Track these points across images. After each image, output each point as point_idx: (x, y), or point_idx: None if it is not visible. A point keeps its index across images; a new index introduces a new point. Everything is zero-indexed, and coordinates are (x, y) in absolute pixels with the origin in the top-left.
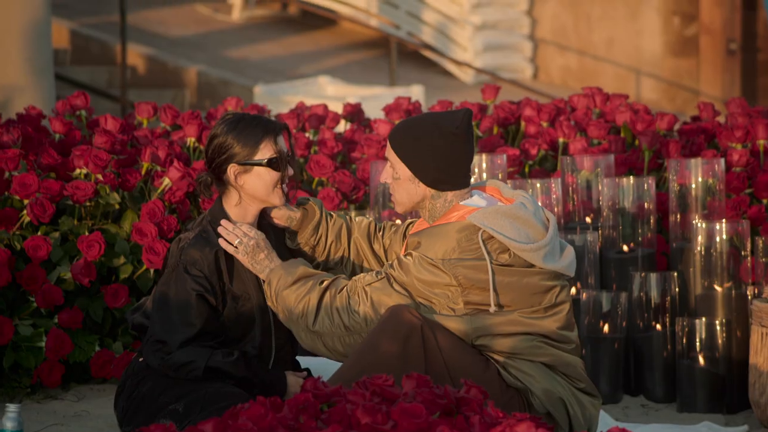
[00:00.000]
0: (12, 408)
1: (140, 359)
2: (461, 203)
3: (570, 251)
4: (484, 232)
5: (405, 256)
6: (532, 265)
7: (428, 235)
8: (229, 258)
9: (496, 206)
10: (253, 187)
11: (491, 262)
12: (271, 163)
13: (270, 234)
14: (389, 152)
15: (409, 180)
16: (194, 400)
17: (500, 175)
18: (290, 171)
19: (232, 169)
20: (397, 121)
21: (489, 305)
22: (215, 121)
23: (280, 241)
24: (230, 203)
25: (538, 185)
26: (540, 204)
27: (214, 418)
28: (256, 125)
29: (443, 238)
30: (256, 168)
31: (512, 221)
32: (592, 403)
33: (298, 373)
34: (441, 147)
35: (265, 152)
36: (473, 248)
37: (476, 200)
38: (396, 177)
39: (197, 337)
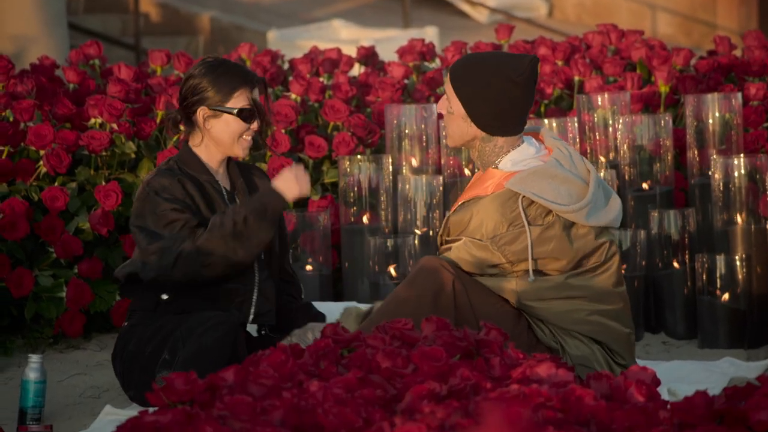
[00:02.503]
0: (34, 358)
1: (125, 323)
2: (509, 154)
3: (616, 202)
4: (524, 198)
5: (444, 251)
6: (576, 224)
7: (474, 211)
8: (199, 188)
9: (532, 168)
10: (219, 133)
11: (530, 230)
12: (241, 114)
13: (239, 179)
14: (447, 85)
15: (461, 118)
16: (176, 339)
17: None
18: (256, 125)
19: (201, 112)
20: (411, 64)
21: (541, 272)
22: None
23: (251, 185)
24: (195, 144)
25: (555, 124)
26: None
27: (234, 365)
28: (234, 73)
29: (488, 215)
30: (225, 115)
31: (551, 181)
32: None
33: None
34: (500, 92)
35: (237, 101)
36: (515, 216)
37: (524, 149)
38: (450, 111)
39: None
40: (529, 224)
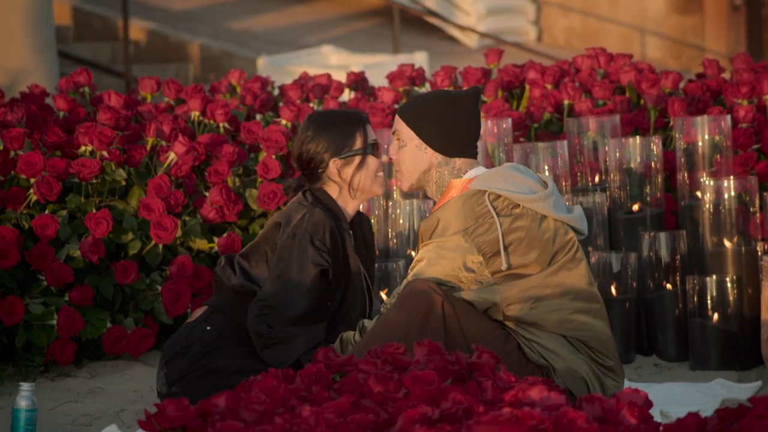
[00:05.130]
0: (26, 387)
1: (208, 327)
2: (466, 175)
3: (579, 208)
4: (490, 194)
5: (417, 256)
6: (545, 218)
7: (441, 214)
8: (345, 236)
9: (493, 169)
10: (360, 177)
11: (499, 218)
12: (373, 149)
13: (357, 230)
14: (396, 123)
15: (415, 147)
16: None
17: (506, 140)
18: (385, 157)
19: (334, 164)
20: (401, 89)
21: (512, 267)
22: (219, 95)
23: (366, 235)
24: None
25: (545, 148)
26: (547, 167)
27: (226, 391)
28: (346, 118)
29: (456, 213)
30: (357, 158)
31: (512, 180)
32: (615, 386)
33: None
34: (447, 113)
35: (360, 141)
36: (485, 212)
37: (480, 170)
38: (402, 145)
39: (307, 314)
40: (498, 215)
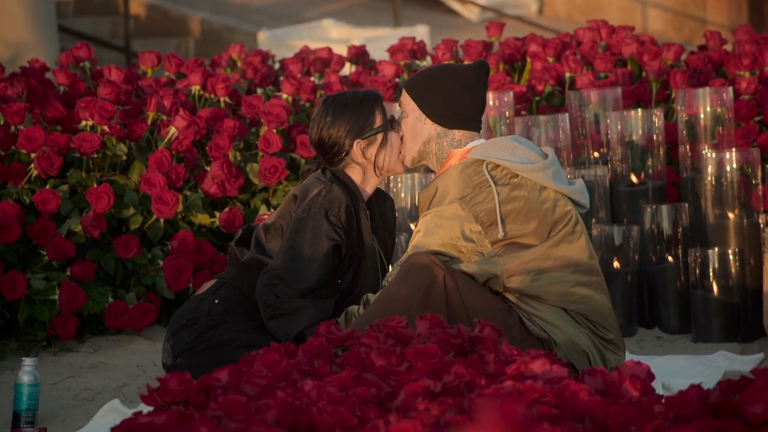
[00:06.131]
0: (28, 362)
1: (216, 301)
2: (467, 145)
3: (580, 181)
4: (489, 163)
5: (416, 228)
6: (544, 188)
7: (439, 183)
8: (360, 215)
9: (493, 140)
10: (384, 155)
11: (497, 187)
12: (392, 125)
13: (374, 205)
14: (401, 96)
15: (415, 118)
16: None
17: (507, 113)
18: (401, 132)
19: (358, 145)
20: (402, 62)
21: (509, 236)
22: (220, 69)
23: (386, 215)
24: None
25: (546, 121)
26: (548, 140)
27: (229, 366)
28: (362, 99)
29: (454, 181)
30: (379, 136)
31: (512, 150)
32: (616, 359)
33: None
34: (450, 85)
35: (380, 119)
36: (483, 181)
37: (481, 141)
38: (405, 116)
39: (316, 288)
40: (496, 184)
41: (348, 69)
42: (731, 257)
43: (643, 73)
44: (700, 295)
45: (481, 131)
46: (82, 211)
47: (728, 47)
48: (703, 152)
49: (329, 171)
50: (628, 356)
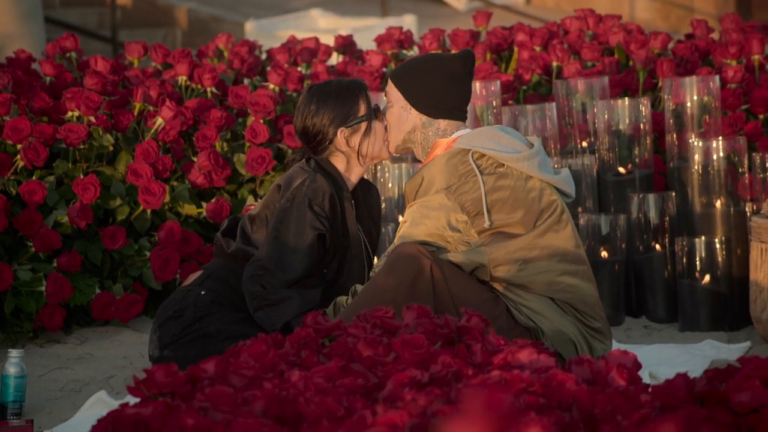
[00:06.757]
0: (15, 353)
1: (202, 292)
2: (452, 135)
3: (566, 171)
4: (474, 152)
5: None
6: (530, 178)
7: (425, 173)
8: (344, 204)
9: (479, 129)
10: (369, 143)
11: (482, 176)
12: (377, 114)
13: (359, 194)
14: (387, 86)
15: (401, 107)
16: None
17: (494, 102)
18: (386, 121)
19: (342, 134)
20: (389, 52)
21: (495, 225)
22: (207, 59)
23: (371, 205)
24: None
25: (534, 111)
26: (534, 128)
27: (215, 357)
28: (346, 87)
29: (439, 171)
30: (363, 125)
31: (498, 139)
32: (602, 348)
33: None
34: (435, 75)
35: (364, 108)
36: (468, 170)
37: (466, 131)
38: (389, 106)
39: (302, 278)
40: (482, 174)
41: (335, 59)
42: (718, 246)
43: (630, 62)
44: (687, 284)
45: (467, 121)
46: (69, 202)
47: (715, 36)
48: (690, 141)
49: (313, 160)
50: (615, 345)
